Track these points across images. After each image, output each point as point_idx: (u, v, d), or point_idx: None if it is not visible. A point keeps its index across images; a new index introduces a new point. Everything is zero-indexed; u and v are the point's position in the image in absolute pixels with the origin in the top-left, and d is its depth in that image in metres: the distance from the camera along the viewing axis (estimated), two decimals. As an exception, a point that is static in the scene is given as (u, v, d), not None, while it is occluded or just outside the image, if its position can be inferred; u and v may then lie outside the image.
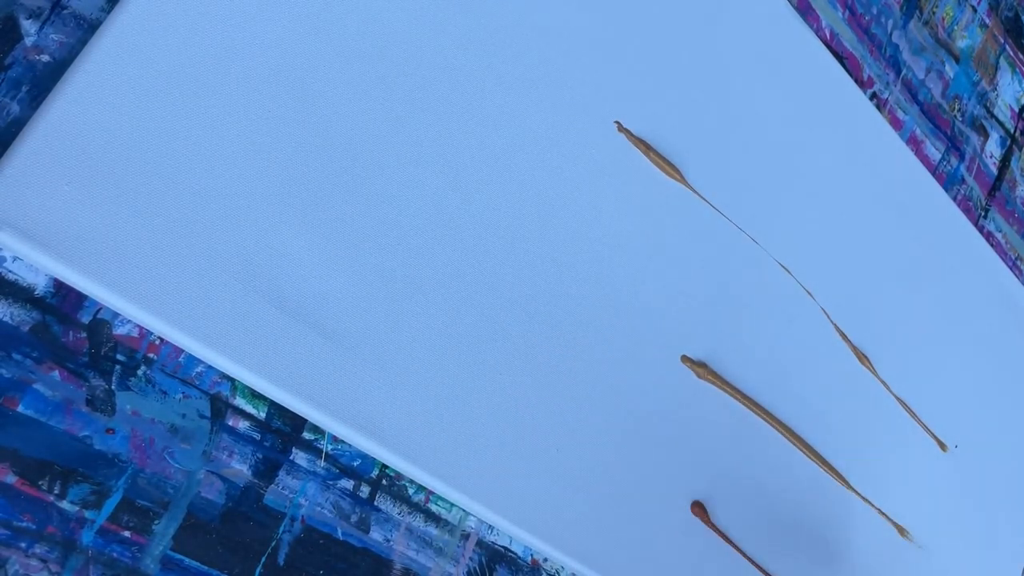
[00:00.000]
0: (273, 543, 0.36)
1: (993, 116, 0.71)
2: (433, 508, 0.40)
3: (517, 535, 0.41)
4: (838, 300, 0.55)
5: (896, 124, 0.63)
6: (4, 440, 0.32)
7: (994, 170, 0.70)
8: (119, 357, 0.34)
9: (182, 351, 0.35)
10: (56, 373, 0.33)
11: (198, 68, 0.35)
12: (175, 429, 0.35)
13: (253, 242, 0.35)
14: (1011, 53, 0.73)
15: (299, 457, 0.37)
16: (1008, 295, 0.66)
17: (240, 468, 0.36)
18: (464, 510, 0.41)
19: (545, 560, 0.44)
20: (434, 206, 0.40)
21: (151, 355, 0.35)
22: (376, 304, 0.38)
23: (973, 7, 0.70)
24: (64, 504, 0.32)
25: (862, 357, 0.56)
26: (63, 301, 0.33)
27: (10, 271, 0.32)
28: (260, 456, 0.36)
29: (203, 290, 0.34)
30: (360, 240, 0.38)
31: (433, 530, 0.40)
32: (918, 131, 0.65)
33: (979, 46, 0.70)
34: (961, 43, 0.69)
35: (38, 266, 0.32)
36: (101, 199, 0.32)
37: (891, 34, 0.64)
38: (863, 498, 0.54)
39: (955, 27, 0.69)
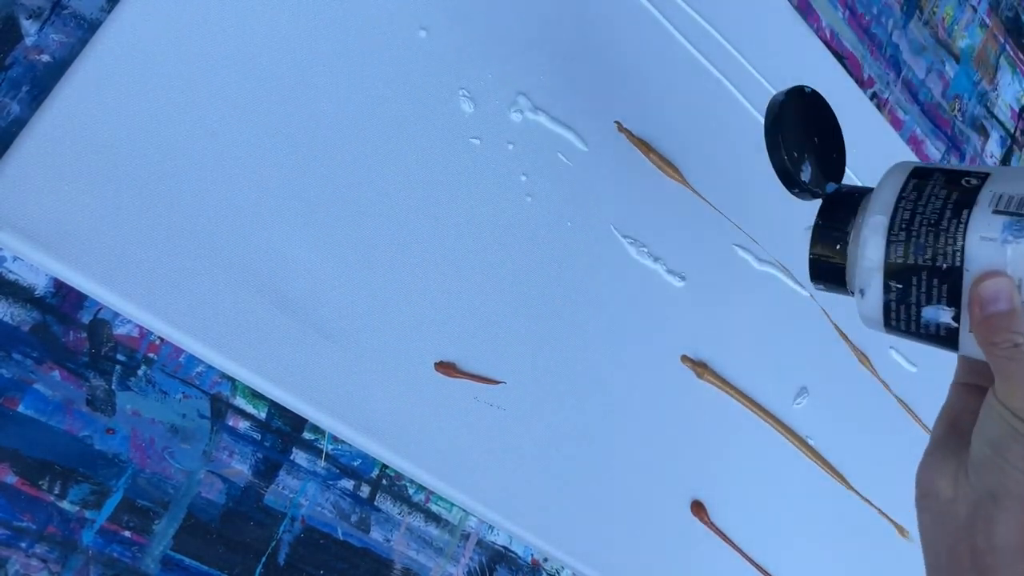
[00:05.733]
0: (273, 543, 0.36)
1: (993, 116, 0.71)
2: (433, 508, 0.40)
3: (517, 534, 0.41)
4: (838, 300, 0.55)
5: (896, 124, 0.63)
6: (4, 440, 0.32)
7: (994, 170, 0.70)
8: (119, 357, 0.34)
9: (182, 351, 0.35)
10: (56, 373, 0.33)
11: (198, 69, 0.35)
12: (175, 429, 0.35)
13: (253, 242, 0.35)
14: (1011, 53, 0.73)
15: (299, 457, 0.37)
16: (1008, 295, 0.66)
17: (240, 468, 0.36)
18: (464, 510, 0.41)
19: (545, 560, 0.44)
20: (434, 208, 0.40)
21: (151, 355, 0.35)
22: (376, 305, 0.38)
23: (973, 7, 0.70)
24: (64, 504, 0.32)
25: (862, 357, 0.56)
26: (63, 301, 0.33)
27: (10, 271, 0.32)
28: (260, 456, 0.36)
29: (203, 290, 0.34)
30: (360, 241, 0.38)
31: (433, 530, 0.40)
32: (918, 131, 0.65)
33: (979, 46, 0.70)
34: (961, 43, 0.69)
35: (38, 266, 0.32)
36: (101, 199, 0.32)
37: (891, 34, 0.64)
38: (863, 498, 0.54)
39: (955, 27, 0.69)
